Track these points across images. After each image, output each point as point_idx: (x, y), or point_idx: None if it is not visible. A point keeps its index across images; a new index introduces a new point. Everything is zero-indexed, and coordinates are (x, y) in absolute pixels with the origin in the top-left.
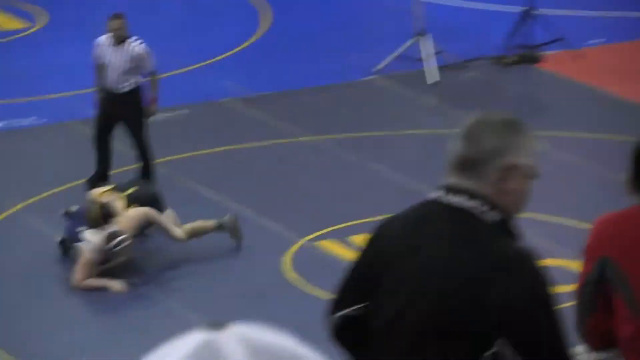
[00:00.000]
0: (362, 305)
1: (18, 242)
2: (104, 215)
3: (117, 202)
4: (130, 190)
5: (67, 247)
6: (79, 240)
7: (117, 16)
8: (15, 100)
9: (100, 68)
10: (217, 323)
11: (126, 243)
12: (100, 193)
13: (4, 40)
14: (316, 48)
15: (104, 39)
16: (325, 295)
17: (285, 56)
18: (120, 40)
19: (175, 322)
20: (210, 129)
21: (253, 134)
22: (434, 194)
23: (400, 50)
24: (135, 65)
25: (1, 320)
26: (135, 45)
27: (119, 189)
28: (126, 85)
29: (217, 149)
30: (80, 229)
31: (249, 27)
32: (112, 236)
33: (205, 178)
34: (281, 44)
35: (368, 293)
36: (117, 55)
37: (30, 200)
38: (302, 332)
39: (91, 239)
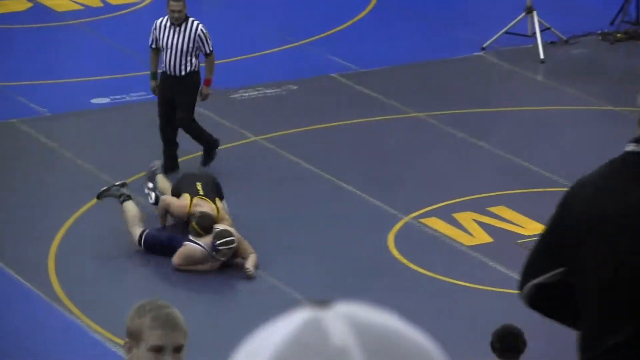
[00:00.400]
0: (557, 271)
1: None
2: (203, 228)
3: (206, 207)
4: (213, 197)
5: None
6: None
7: None
8: (124, 76)
9: (156, 51)
10: (322, 301)
11: (232, 245)
12: (188, 203)
13: (114, 14)
14: (424, 24)
15: (163, 20)
16: (429, 272)
17: (392, 32)
18: (181, 21)
19: (278, 299)
20: (317, 104)
21: (359, 110)
22: (626, 149)
23: (509, 26)
24: (196, 47)
25: (94, 291)
26: (196, 26)
27: (193, 190)
28: (186, 67)
29: (323, 125)
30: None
31: (356, 3)
32: (219, 235)
33: (311, 154)
34: (388, 20)
35: (565, 258)
36: (177, 37)
37: (137, 176)
38: (407, 310)
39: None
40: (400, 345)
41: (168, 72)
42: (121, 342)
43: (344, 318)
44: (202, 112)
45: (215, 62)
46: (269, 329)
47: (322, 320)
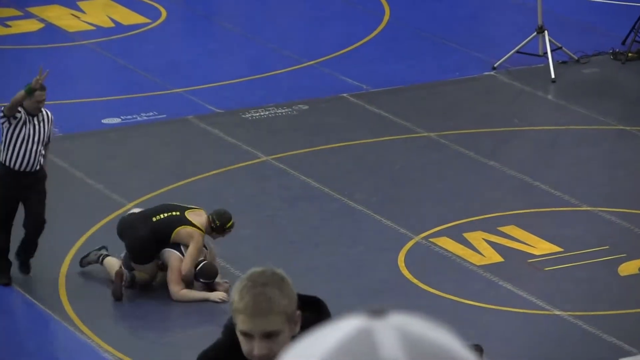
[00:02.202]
0: None
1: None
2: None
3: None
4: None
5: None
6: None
7: (44, 87)
8: (135, 96)
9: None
10: (378, 310)
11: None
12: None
13: (125, 35)
14: (435, 44)
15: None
16: (439, 292)
17: (403, 52)
18: (39, 111)
19: None
20: (328, 124)
21: (370, 129)
22: None
23: (520, 46)
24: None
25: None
26: (50, 114)
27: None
28: (41, 159)
29: (334, 145)
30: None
31: (368, 23)
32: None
33: (322, 174)
34: (400, 40)
35: None
36: (36, 128)
37: (147, 196)
38: None
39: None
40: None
41: (21, 169)
42: None
43: (396, 330)
44: (213, 132)
45: (227, 81)
46: (322, 333)
47: (374, 330)
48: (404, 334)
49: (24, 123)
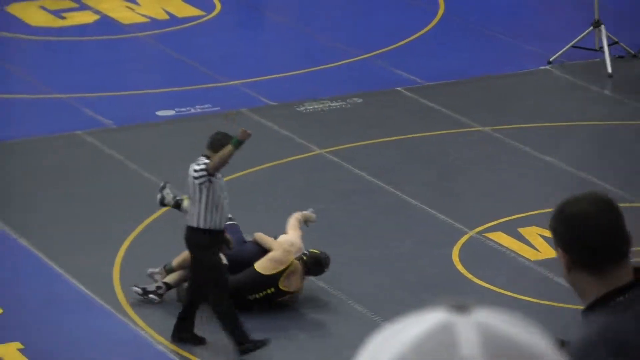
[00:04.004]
0: None
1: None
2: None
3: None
4: None
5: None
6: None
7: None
8: (189, 88)
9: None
10: (462, 305)
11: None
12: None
13: (179, 27)
14: (490, 37)
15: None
16: (493, 286)
17: (458, 45)
18: None
19: (342, 315)
20: (381, 118)
21: (424, 123)
22: None
23: (576, 40)
24: None
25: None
26: None
27: None
28: None
29: (388, 138)
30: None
31: (422, 16)
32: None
33: (375, 167)
34: (454, 33)
35: None
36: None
37: None
38: None
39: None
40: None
41: (221, 229)
42: (184, 353)
43: (477, 327)
44: (267, 125)
45: (282, 74)
46: (401, 326)
47: (455, 326)
48: (486, 332)
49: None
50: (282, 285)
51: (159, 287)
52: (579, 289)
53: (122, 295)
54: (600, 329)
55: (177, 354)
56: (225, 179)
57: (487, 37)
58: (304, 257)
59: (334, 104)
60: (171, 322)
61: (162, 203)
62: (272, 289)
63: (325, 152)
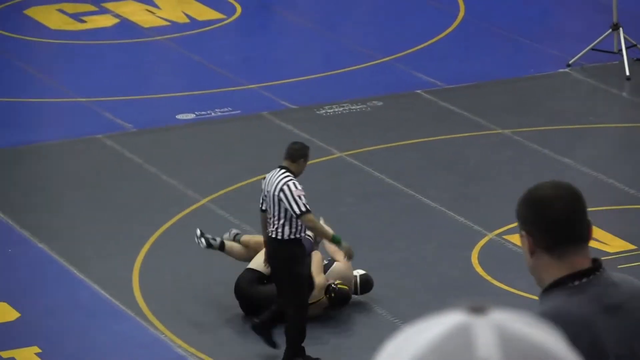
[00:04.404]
0: None
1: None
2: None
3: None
4: None
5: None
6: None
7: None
8: (209, 92)
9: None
10: (478, 307)
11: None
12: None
13: (200, 30)
14: (510, 40)
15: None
16: (513, 289)
17: (477, 48)
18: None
19: (363, 318)
20: (401, 121)
21: (444, 126)
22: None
23: (595, 43)
24: None
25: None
26: None
27: None
28: None
29: (408, 141)
30: None
31: (442, 20)
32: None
33: (395, 170)
34: (474, 36)
35: None
36: None
37: (221, 192)
38: None
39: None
40: None
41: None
42: (206, 357)
43: (494, 328)
44: (287, 128)
45: (302, 77)
46: (419, 327)
47: (472, 328)
48: (503, 334)
49: None
50: None
51: (213, 239)
52: (539, 272)
53: (141, 299)
54: (554, 308)
55: (196, 356)
56: (246, 181)
57: (506, 39)
58: (332, 294)
59: (354, 107)
60: (191, 326)
61: (210, 245)
62: None
63: (346, 155)
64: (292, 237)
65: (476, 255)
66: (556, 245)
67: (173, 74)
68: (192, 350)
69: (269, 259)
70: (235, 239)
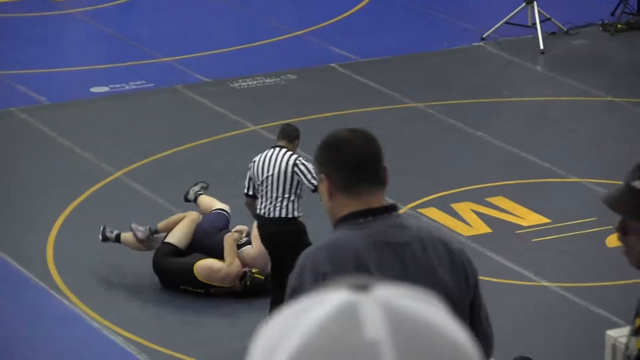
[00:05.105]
0: None
1: (119, 208)
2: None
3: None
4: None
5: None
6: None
7: None
8: (123, 64)
9: None
10: (362, 284)
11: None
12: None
13: (113, 4)
14: (424, 14)
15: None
16: None
17: (391, 22)
18: None
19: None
20: (316, 94)
21: (358, 100)
22: None
23: (509, 16)
24: None
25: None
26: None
27: None
28: None
29: (322, 115)
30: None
31: None
32: None
33: (310, 144)
34: (388, 10)
35: None
36: None
37: (135, 165)
38: None
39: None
40: (436, 342)
41: None
42: (120, 331)
43: (381, 306)
44: (201, 101)
45: (216, 51)
46: (302, 309)
47: (358, 307)
48: (390, 311)
49: None
50: (213, 290)
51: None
52: (335, 213)
53: (55, 272)
54: (331, 239)
55: (111, 330)
56: (160, 154)
57: (421, 14)
58: (247, 283)
59: (268, 81)
60: (105, 299)
61: (186, 199)
62: (202, 291)
63: (260, 128)
64: (296, 213)
65: None
66: (350, 184)
67: (87, 47)
68: (107, 323)
69: (274, 240)
70: (151, 231)
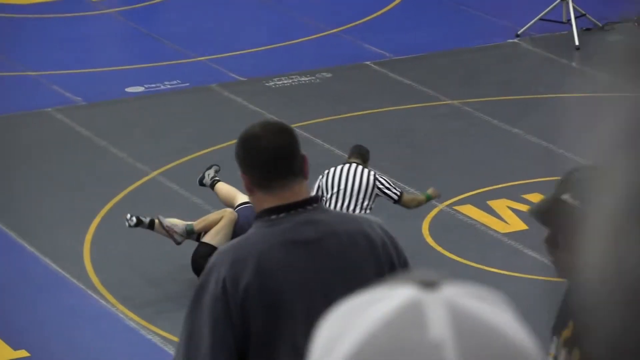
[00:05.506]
0: None
1: (155, 208)
2: None
3: None
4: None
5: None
6: None
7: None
8: (158, 64)
9: None
10: (429, 281)
11: None
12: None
13: (148, 3)
14: (458, 11)
15: None
16: (463, 259)
17: (426, 19)
18: None
19: None
20: (351, 92)
21: (393, 97)
22: None
23: (544, 13)
24: None
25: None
26: None
27: None
28: None
29: (358, 113)
30: None
31: None
32: None
33: (345, 142)
34: (422, 7)
35: None
36: None
37: (171, 164)
38: None
39: None
40: (500, 347)
41: None
42: (157, 330)
43: (447, 305)
44: (236, 100)
45: (251, 50)
46: (367, 302)
47: (424, 306)
48: (456, 312)
49: None
50: None
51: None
52: (257, 209)
53: (92, 272)
54: (241, 238)
55: (148, 329)
56: (195, 154)
57: (456, 10)
58: None
59: (303, 79)
60: (141, 298)
61: (201, 182)
62: None
63: (295, 126)
64: None
65: (427, 226)
66: (264, 181)
67: (122, 47)
68: (144, 323)
69: None
70: (188, 232)
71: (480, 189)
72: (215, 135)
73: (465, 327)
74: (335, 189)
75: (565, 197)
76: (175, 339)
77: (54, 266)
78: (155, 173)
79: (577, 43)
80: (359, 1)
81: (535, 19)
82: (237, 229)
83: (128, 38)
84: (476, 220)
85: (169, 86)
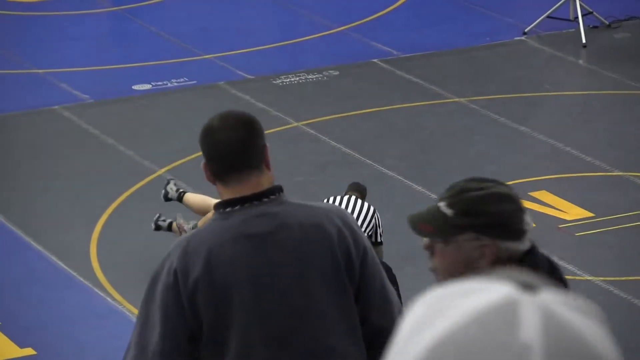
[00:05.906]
0: None
1: (162, 206)
2: None
3: None
4: None
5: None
6: None
7: None
8: (165, 62)
9: None
10: (529, 284)
11: None
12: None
13: (155, 1)
14: (465, 9)
15: None
16: None
17: (433, 17)
18: None
19: None
20: (358, 90)
21: (400, 95)
22: None
23: (551, 10)
24: None
25: None
26: None
27: None
28: None
29: (365, 110)
30: None
31: None
32: None
33: (353, 140)
34: (429, 5)
35: None
36: None
37: (178, 162)
38: None
39: None
40: (585, 357)
41: None
42: None
43: (542, 310)
44: (243, 98)
45: (258, 47)
46: (462, 292)
47: (519, 306)
48: (548, 317)
49: None
50: None
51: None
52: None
53: (99, 270)
54: (196, 231)
55: None
56: (200, 153)
57: (462, 8)
58: None
59: (310, 77)
60: None
61: (167, 198)
62: None
63: (302, 124)
64: None
65: None
66: (221, 173)
67: (129, 44)
68: None
69: None
70: (193, 228)
71: None
72: None
73: (555, 335)
74: None
75: (441, 204)
76: None
77: (60, 264)
78: (162, 171)
79: (584, 41)
80: None
81: (542, 16)
82: None
83: (135, 36)
84: None
85: (176, 84)
